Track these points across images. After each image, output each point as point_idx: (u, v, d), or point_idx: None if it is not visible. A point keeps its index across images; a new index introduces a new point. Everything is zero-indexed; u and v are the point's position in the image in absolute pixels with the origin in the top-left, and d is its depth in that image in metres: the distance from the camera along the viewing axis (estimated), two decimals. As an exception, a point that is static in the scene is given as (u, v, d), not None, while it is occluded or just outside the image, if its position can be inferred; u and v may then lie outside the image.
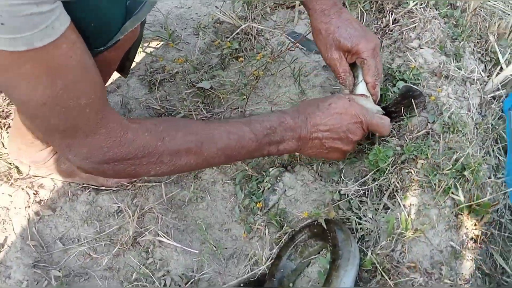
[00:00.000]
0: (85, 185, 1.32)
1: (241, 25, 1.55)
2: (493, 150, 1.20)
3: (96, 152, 0.86)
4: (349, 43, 1.10)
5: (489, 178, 1.11)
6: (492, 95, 1.28)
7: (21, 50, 0.68)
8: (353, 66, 1.16)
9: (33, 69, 0.72)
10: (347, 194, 1.13)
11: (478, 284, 1.00)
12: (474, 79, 1.24)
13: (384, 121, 1.09)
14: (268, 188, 1.26)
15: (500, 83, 1.29)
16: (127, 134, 0.87)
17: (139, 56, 1.58)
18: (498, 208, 1.13)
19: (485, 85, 1.29)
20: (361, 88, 1.13)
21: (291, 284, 1.11)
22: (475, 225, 1.05)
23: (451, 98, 1.17)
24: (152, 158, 0.90)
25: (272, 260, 1.14)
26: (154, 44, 1.64)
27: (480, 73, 1.28)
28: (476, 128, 1.16)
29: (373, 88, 1.12)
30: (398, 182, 1.08)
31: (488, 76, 1.32)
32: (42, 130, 0.89)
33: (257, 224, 1.23)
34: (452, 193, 1.04)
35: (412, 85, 1.18)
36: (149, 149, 0.89)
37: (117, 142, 0.86)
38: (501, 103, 1.26)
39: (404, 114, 1.16)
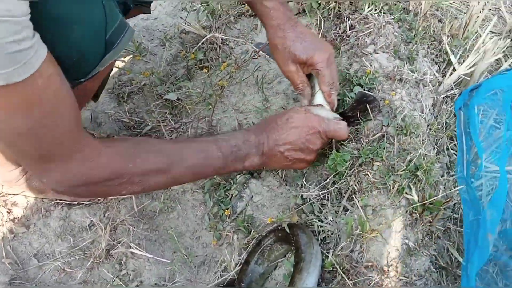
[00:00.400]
0: (57, 201, 1.34)
1: (206, 35, 1.58)
2: (447, 148, 1.26)
3: (71, 176, 0.89)
4: (304, 55, 1.15)
5: (442, 176, 1.16)
6: (446, 94, 1.34)
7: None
8: (310, 76, 1.21)
9: (10, 101, 0.74)
10: (309, 198, 1.18)
11: (433, 278, 1.06)
12: (427, 81, 1.29)
13: (341, 126, 1.14)
14: (236, 195, 1.30)
15: (453, 83, 1.35)
16: (101, 158, 0.91)
17: (107, 70, 1.61)
18: (455, 203, 1.19)
19: (439, 85, 1.34)
20: (319, 98, 1.19)
21: (259, 288, 1.16)
22: (430, 222, 1.10)
23: (404, 100, 1.22)
24: (124, 179, 0.93)
25: (241, 266, 1.19)
26: (122, 57, 1.66)
27: (434, 74, 1.33)
28: (430, 128, 1.21)
29: (329, 97, 1.17)
30: (356, 185, 1.13)
31: (442, 77, 1.38)
32: (18, 156, 0.92)
33: (226, 230, 1.27)
34: (406, 193, 1.09)
35: (366, 91, 1.23)
36: (121, 171, 0.93)
37: (92, 166, 0.89)
38: (454, 103, 1.32)
39: (361, 118, 1.21)
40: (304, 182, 1.20)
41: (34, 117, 0.77)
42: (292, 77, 1.20)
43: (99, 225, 1.29)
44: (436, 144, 1.21)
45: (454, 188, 1.16)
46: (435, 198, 1.08)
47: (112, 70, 1.20)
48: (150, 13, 1.33)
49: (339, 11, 1.49)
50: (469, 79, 1.37)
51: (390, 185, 1.10)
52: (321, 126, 1.11)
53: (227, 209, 1.28)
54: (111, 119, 1.49)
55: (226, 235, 1.27)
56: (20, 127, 0.78)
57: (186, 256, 1.25)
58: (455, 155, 1.26)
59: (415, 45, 1.36)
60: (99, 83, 1.09)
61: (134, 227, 1.30)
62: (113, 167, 0.92)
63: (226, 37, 1.60)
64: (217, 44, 1.60)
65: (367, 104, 1.19)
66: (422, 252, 1.05)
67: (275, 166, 1.17)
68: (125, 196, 1.34)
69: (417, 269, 1.03)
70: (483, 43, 1.35)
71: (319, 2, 1.53)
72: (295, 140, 1.10)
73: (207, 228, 1.30)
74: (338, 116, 1.18)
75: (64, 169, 0.87)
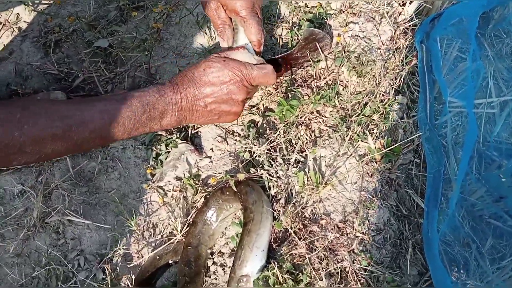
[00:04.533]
0: (-17, 167, 1.21)
1: (140, -30, 1.40)
2: (408, 86, 1.15)
3: None
4: None
5: (402, 118, 1.06)
6: (406, 26, 1.21)
7: None
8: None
9: None
10: (259, 151, 1.07)
11: (393, 230, 0.98)
12: (383, 12, 1.15)
13: (266, 69, 1.00)
14: (180, 150, 1.18)
15: (414, 12, 1.22)
16: None
17: (30, 16, 1.42)
18: (418, 145, 1.09)
19: (399, 16, 1.21)
20: (241, 38, 1.05)
21: (208, 251, 1.07)
22: (389, 169, 1.01)
23: (359, 36, 1.09)
24: (11, 150, 0.81)
25: (188, 227, 1.09)
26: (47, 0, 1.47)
27: (391, 5, 1.20)
28: (386, 66, 1.09)
29: (259, 47, 1.04)
30: (307, 134, 1.02)
31: (402, 6, 1.24)
32: None
33: (172, 189, 1.16)
34: (362, 140, 0.99)
35: (314, 28, 1.09)
36: (5, 141, 0.80)
37: None
38: (414, 36, 1.19)
39: (311, 59, 1.08)
40: (256, 134, 1.08)
41: None
42: (213, 15, 1.06)
43: (30, 192, 1.17)
44: (394, 83, 1.09)
45: (416, 129, 1.06)
46: (393, 143, 0.98)
47: None
48: None
49: None
50: (430, 7, 1.24)
51: (344, 133, 0.99)
52: (243, 73, 0.99)
53: (171, 166, 1.16)
54: (38, 72, 1.33)
55: (173, 193, 1.16)
56: None
57: (128, 219, 1.14)
58: (417, 92, 1.15)
59: (371, -29, 1.21)
60: None
61: (71, 192, 1.18)
62: None
63: (162, -29, 1.41)
64: (153, -21, 1.42)
65: (316, 43, 1.05)
66: (381, 204, 0.97)
67: (199, 122, 1.05)
68: (59, 158, 1.21)
69: (375, 223, 0.95)
70: (445, -35, 1.21)
71: None
72: (216, 92, 0.99)
73: (152, 188, 1.19)
74: (261, 59, 1.04)
75: None
